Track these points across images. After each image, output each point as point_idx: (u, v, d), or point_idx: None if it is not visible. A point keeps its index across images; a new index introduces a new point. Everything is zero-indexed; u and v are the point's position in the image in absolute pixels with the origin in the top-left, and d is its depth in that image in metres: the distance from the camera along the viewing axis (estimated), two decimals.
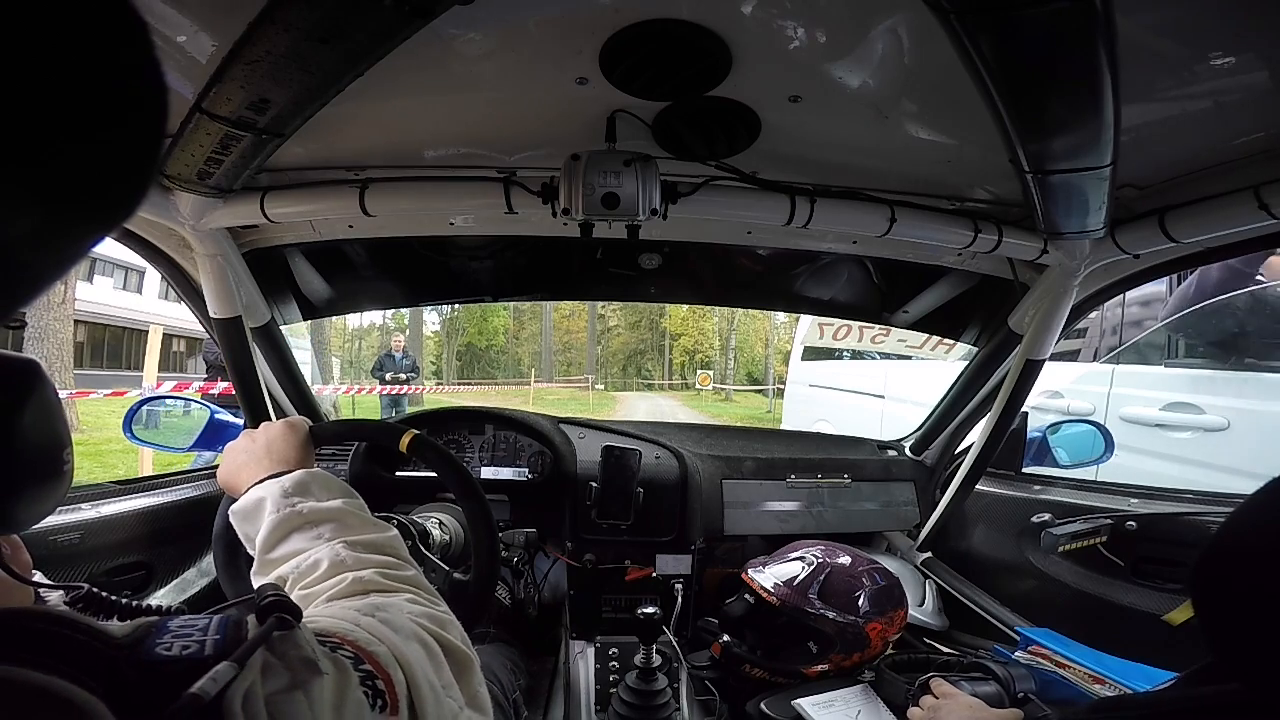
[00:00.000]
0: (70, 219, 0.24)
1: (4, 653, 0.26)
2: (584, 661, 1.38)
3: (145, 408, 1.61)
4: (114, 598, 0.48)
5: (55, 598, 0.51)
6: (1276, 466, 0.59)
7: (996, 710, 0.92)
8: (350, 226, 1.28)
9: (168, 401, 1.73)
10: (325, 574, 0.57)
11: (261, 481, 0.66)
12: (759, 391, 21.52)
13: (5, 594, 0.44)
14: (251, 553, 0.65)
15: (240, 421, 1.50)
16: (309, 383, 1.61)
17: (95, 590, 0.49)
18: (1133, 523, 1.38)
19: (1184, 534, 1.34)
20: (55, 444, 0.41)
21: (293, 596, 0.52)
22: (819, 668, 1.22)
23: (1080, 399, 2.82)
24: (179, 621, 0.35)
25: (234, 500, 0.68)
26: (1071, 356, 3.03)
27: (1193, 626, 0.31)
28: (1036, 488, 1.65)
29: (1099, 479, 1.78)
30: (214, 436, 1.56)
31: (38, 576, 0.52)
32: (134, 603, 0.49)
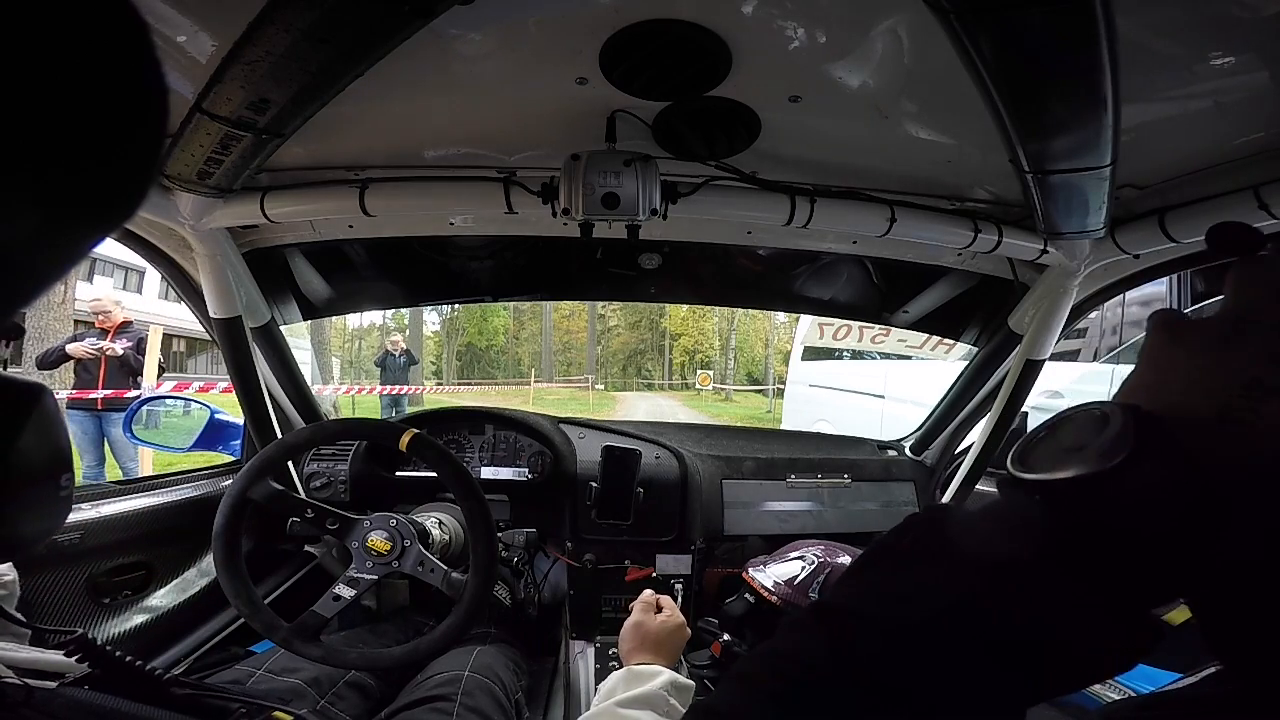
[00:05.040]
0: (71, 220, 0.24)
1: None
2: (584, 661, 1.38)
3: (145, 408, 1.62)
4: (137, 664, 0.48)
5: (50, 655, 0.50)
6: None
7: None
8: (350, 226, 1.28)
9: (168, 401, 1.74)
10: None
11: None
12: (759, 391, 21.51)
13: None
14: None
15: (239, 422, 1.50)
16: (309, 383, 1.61)
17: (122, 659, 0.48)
18: None
19: None
20: (54, 467, 0.40)
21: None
22: None
23: (1080, 399, 2.81)
24: None
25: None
26: (1071, 356, 3.03)
27: (1193, 626, 0.31)
28: None
29: None
30: (214, 436, 1.57)
31: None
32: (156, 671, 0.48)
